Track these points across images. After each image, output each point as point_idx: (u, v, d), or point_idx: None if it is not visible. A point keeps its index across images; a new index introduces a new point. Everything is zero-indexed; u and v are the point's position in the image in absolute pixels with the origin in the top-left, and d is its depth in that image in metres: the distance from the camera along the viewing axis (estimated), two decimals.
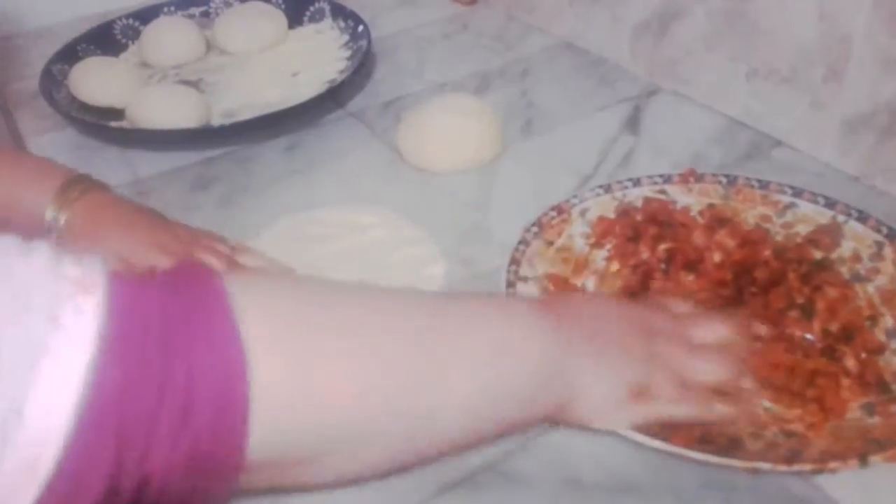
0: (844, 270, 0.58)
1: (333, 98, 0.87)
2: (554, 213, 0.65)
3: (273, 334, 0.34)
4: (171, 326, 0.31)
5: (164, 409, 0.30)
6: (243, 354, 0.32)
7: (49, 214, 0.58)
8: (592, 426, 0.45)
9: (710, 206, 0.65)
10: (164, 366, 0.31)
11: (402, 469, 0.40)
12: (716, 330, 0.49)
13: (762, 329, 0.53)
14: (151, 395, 0.30)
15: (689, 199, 0.66)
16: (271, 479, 0.37)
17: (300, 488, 0.40)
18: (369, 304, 0.40)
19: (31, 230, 0.58)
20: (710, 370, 0.47)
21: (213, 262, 0.60)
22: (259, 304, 0.35)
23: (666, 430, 0.48)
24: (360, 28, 0.96)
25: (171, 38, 0.98)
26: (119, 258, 0.57)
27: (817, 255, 0.59)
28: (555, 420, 0.44)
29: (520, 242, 0.62)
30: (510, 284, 0.58)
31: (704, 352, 0.48)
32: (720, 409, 0.46)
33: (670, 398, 0.46)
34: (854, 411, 0.50)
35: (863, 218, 0.61)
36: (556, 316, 0.45)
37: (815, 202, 0.63)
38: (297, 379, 0.35)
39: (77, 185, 0.60)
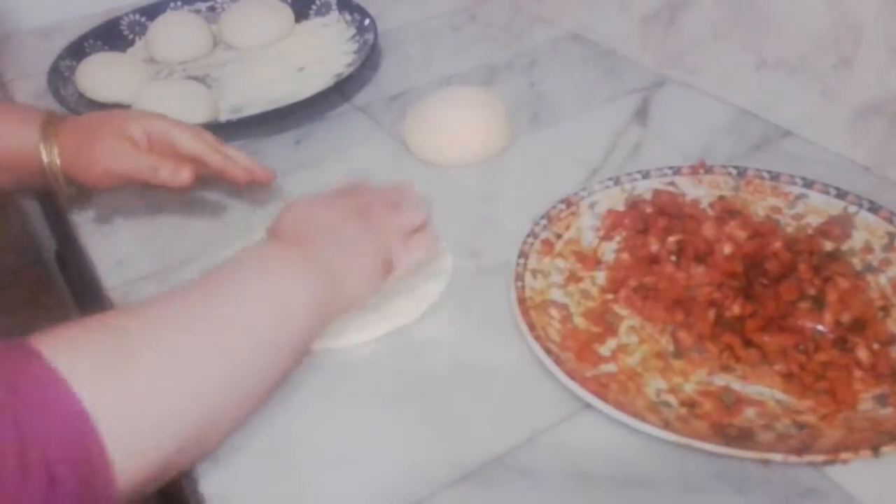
0: (856, 261, 0.58)
1: (340, 92, 0.86)
2: (563, 206, 0.64)
3: (101, 391, 0.40)
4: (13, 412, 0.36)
5: (31, 483, 0.35)
6: (87, 414, 0.38)
7: (42, 145, 0.63)
8: (365, 305, 0.54)
9: (720, 197, 0.65)
10: (20, 449, 0.36)
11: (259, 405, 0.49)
12: (399, 192, 0.58)
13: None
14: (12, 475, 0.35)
15: (698, 191, 0.65)
16: (153, 485, 0.43)
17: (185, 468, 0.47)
18: (160, 325, 0.45)
19: (23, 167, 0.64)
20: (411, 216, 0.56)
21: (200, 130, 0.66)
22: (83, 367, 0.40)
23: (677, 421, 0.48)
24: (367, 21, 0.96)
25: (177, 33, 0.98)
26: (116, 135, 0.62)
27: (828, 246, 0.59)
28: (342, 311, 0.52)
29: (528, 235, 0.61)
30: (519, 277, 0.58)
31: (403, 207, 0.56)
32: (430, 239, 0.56)
33: (405, 256, 0.54)
34: (866, 402, 0.49)
35: (874, 208, 0.60)
36: (309, 250, 0.51)
37: (826, 193, 0.62)
38: (133, 416, 0.41)
39: (53, 118, 0.65)
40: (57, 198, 0.69)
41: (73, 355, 0.40)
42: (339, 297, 0.51)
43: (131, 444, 0.40)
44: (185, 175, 0.62)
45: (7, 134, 0.64)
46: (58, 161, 0.64)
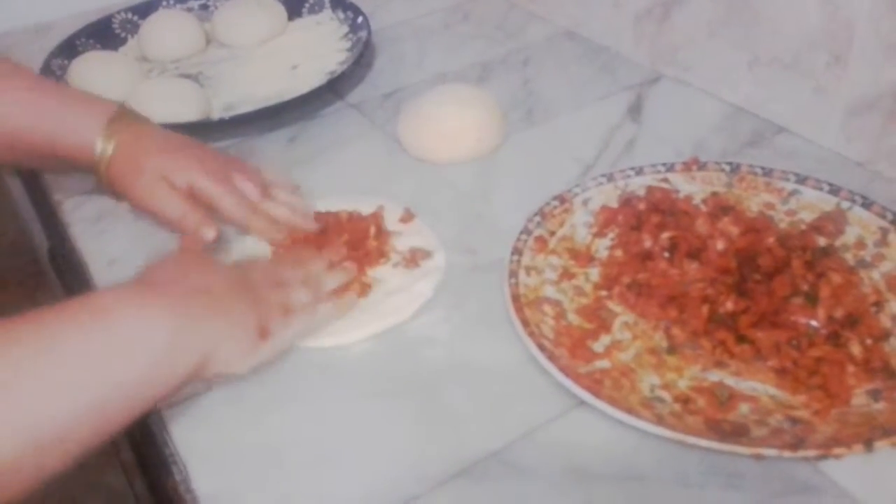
0: (849, 257, 0.58)
1: (333, 89, 0.86)
2: (556, 203, 0.64)
3: None
4: None
5: None
6: None
7: (98, 146, 0.62)
8: (236, 372, 0.51)
9: (714, 193, 0.65)
10: None
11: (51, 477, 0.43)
12: (294, 267, 0.58)
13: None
14: None
15: (692, 188, 0.65)
16: None
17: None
18: None
19: (76, 159, 0.63)
20: (298, 293, 0.56)
21: (248, 187, 0.64)
22: None
23: (671, 417, 0.49)
24: (360, 19, 0.95)
25: (170, 31, 0.98)
26: (161, 176, 0.62)
27: (822, 241, 0.59)
28: (200, 378, 0.49)
29: (522, 232, 0.61)
30: (512, 274, 0.58)
31: (292, 283, 0.56)
32: (323, 311, 0.56)
33: (283, 325, 0.53)
34: (859, 397, 0.50)
35: (867, 204, 0.60)
36: (169, 298, 0.48)
37: (819, 189, 0.62)
38: None
39: (123, 118, 0.64)
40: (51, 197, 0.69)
41: None
42: (199, 354, 0.48)
43: None
44: (210, 234, 0.62)
45: (69, 125, 0.63)
46: (103, 172, 0.64)
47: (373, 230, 0.64)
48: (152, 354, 0.46)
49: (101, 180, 0.64)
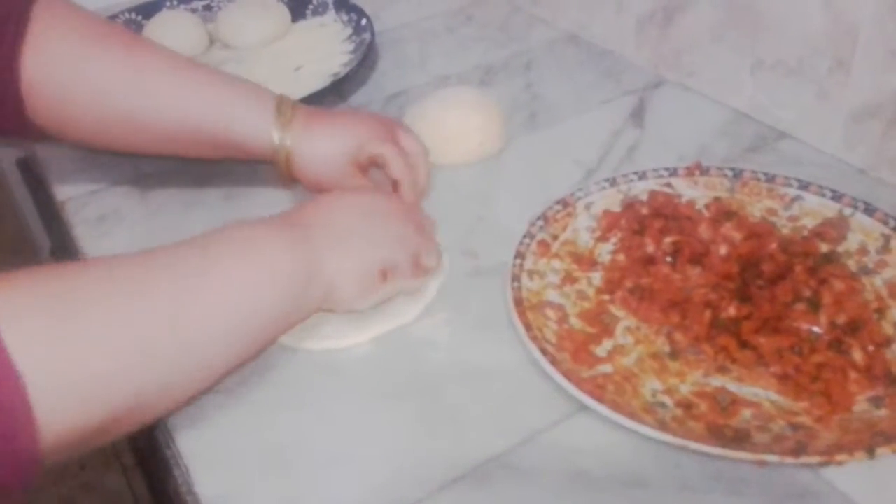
0: (851, 263, 0.58)
1: (337, 92, 0.86)
2: (559, 207, 0.64)
3: (34, 345, 0.39)
4: None
5: None
6: (13, 368, 0.37)
7: (276, 136, 0.64)
8: (354, 309, 0.56)
9: (716, 199, 0.65)
10: None
11: (208, 387, 0.49)
12: (430, 220, 0.62)
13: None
14: None
15: (694, 193, 0.65)
16: (81, 449, 0.43)
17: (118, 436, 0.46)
18: (117, 289, 0.44)
19: (252, 147, 0.65)
20: (434, 254, 0.58)
21: (411, 145, 0.66)
22: (16, 318, 0.39)
23: (673, 422, 0.49)
24: (364, 21, 0.96)
25: (173, 32, 0.98)
26: (347, 161, 0.64)
27: (824, 248, 0.59)
28: (324, 309, 0.54)
29: (525, 236, 0.62)
30: (515, 278, 0.58)
31: (430, 236, 0.59)
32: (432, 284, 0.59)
33: (408, 275, 0.56)
34: (861, 404, 0.50)
35: (870, 210, 0.60)
36: (302, 227, 0.53)
37: (822, 195, 0.63)
38: (66, 372, 0.40)
39: (285, 104, 0.65)
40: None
41: (13, 306, 0.40)
42: (321, 289, 0.52)
43: (60, 404, 0.39)
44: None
45: (234, 113, 0.64)
46: (283, 162, 0.65)
47: None
48: (293, 282, 0.50)
49: (282, 171, 0.66)
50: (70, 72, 0.63)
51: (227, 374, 0.50)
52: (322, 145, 0.65)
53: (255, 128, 0.64)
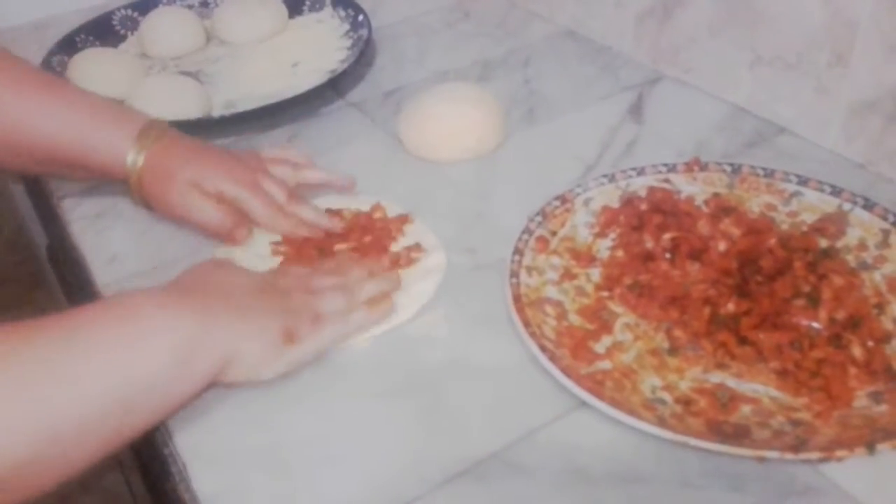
0: (851, 259, 0.58)
1: (334, 88, 0.86)
2: (557, 203, 0.64)
3: None
4: None
5: None
6: None
7: (130, 158, 0.63)
8: (261, 378, 0.51)
9: (715, 194, 0.65)
10: None
11: (76, 474, 0.44)
12: (328, 276, 0.58)
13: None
14: None
15: (693, 188, 0.65)
16: None
17: None
18: None
19: (107, 170, 0.64)
20: (332, 300, 0.55)
21: (275, 190, 0.65)
22: None
23: (672, 419, 0.48)
24: (361, 17, 0.95)
25: (170, 28, 0.97)
26: (192, 184, 0.63)
27: (823, 243, 0.59)
28: (223, 381, 0.50)
29: (523, 232, 0.61)
30: (514, 274, 0.58)
31: (325, 290, 0.56)
32: (355, 319, 0.56)
33: (312, 331, 0.53)
34: (861, 399, 0.50)
35: (869, 205, 0.60)
36: (192, 299, 0.49)
37: (821, 190, 0.62)
38: None
39: (153, 130, 0.65)
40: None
41: None
42: (213, 361, 0.48)
43: None
44: (244, 235, 0.64)
45: (100, 138, 0.64)
46: (135, 183, 0.64)
47: (399, 235, 0.65)
48: (174, 352, 0.46)
49: (134, 192, 0.65)
50: None
51: (109, 451, 0.45)
52: (168, 165, 0.63)
53: (112, 151, 0.63)
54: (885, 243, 0.58)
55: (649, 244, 0.60)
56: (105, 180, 0.67)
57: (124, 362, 0.45)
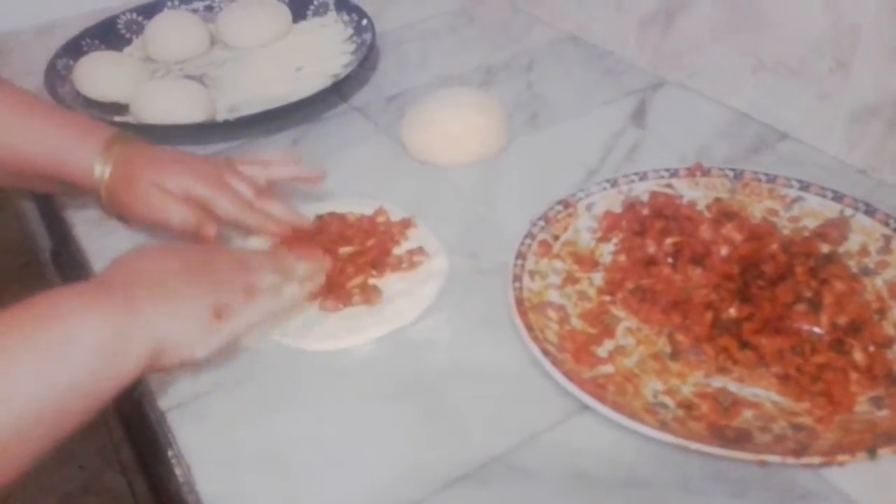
0: (852, 264, 0.58)
1: (338, 92, 0.86)
2: (560, 207, 0.64)
3: None
4: None
5: None
6: None
7: (97, 170, 0.63)
8: (196, 358, 0.51)
9: (717, 199, 0.65)
10: None
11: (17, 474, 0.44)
12: (263, 256, 0.59)
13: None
14: None
15: (695, 193, 0.66)
16: None
17: None
18: None
19: (78, 183, 0.64)
20: (265, 275, 0.55)
21: (241, 186, 0.65)
22: None
23: (674, 423, 0.49)
24: (365, 22, 0.96)
25: (174, 32, 0.98)
26: (155, 185, 0.62)
27: (825, 248, 0.59)
28: (155, 370, 0.50)
29: (526, 236, 0.62)
30: (516, 278, 0.58)
31: (259, 267, 0.56)
32: (288, 292, 0.55)
33: (244, 305, 0.53)
34: (862, 404, 0.50)
35: (870, 211, 0.60)
36: (121, 289, 0.49)
37: (823, 196, 0.63)
38: None
39: (119, 141, 0.65)
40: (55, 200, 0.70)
41: None
42: (144, 349, 0.48)
43: None
44: (211, 230, 0.63)
45: (68, 150, 0.64)
46: (103, 194, 0.64)
47: (400, 238, 0.65)
48: (97, 353, 0.46)
49: (104, 205, 0.65)
50: None
51: (47, 449, 0.45)
52: (132, 171, 0.63)
53: (80, 164, 0.64)
54: (886, 249, 0.58)
55: (651, 249, 0.61)
56: (80, 193, 0.67)
57: (48, 369, 0.44)
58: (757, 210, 0.64)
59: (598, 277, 0.60)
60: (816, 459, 0.45)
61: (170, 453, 0.52)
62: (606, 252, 0.62)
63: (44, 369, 0.44)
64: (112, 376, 0.47)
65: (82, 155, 0.64)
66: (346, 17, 1.00)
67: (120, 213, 0.66)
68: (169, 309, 0.50)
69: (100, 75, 0.88)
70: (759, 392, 0.51)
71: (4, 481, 0.43)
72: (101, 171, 0.63)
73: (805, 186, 0.64)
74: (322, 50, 0.96)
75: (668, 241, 0.61)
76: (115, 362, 0.47)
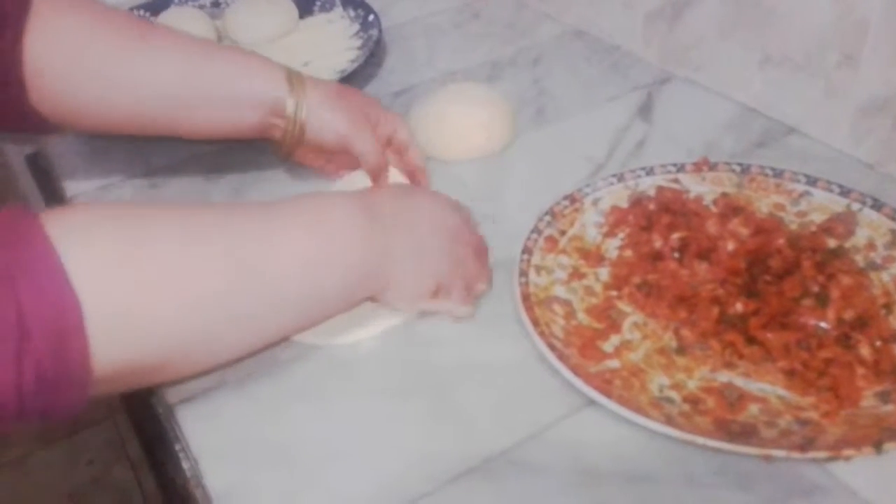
0: (859, 259, 0.58)
1: None
2: (566, 203, 0.64)
3: (98, 270, 0.41)
4: None
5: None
6: (72, 290, 0.39)
7: (290, 107, 0.65)
8: (398, 309, 0.56)
9: (724, 194, 0.65)
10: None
11: (250, 352, 0.51)
12: (486, 246, 0.61)
13: None
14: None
15: (702, 188, 0.65)
16: (128, 384, 0.46)
17: (162, 383, 0.51)
18: (187, 233, 0.46)
19: (256, 115, 0.66)
20: (483, 281, 0.58)
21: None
22: (81, 244, 0.41)
23: (680, 417, 0.49)
24: (371, 17, 0.96)
25: (181, 28, 0.98)
26: (362, 111, 0.67)
27: (832, 243, 0.59)
28: (371, 299, 0.56)
29: (532, 231, 0.62)
30: (522, 273, 0.58)
31: (485, 263, 0.59)
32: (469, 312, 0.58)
33: (457, 299, 0.56)
34: (869, 399, 0.50)
35: (878, 206, 0.60)
36: (382, 222, 0.53)
37: (830, 190, 0.62)
38: (125, 306, 0.42)
39: (294, 76, 0.68)
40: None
41: (88, 232, 0.42)
42: (378, 284, 0.54)
43: (114, 335, 0.41)
44: (384, 180, 0.67)
45: (254, 80, 0.66)
46: (304, 115, 0.66)
47: None
48: (352, 269, 0.51)
49: (287, 144, 0.67)
50: (77, 44, 0.62)
51: (272, 341, 0.52)
52: (335, 89, 0.67)
53: (267, 97, 0.65)
54: (893, 243, 0.58)
55: (658, 244, 0.61)
56: (240, 134, 0.68)
57: (314, 272, 0.49)
58: (764, 205, 0.64)
59: (605, 272, 0.60)
60: (822, 454, 0.45)
61: (177, 447, 0.53)
62: (613, 247, 0.62)
63: (312, 266, 0.49)
64: (353, 295, 0.53)
65: (269, 90, 0.65)
66: (352, 13, 1.00)
67: (314, 138, 0.66)
68: (409, 265, 0.54)
69: None
70: (766, 387, 0.51)
71: (245, 350, 0.50)
72: (296, 108, 0.65)
73: (812, 181, 0.63)
74: (328, 45, 0.96)
75: (675, 236, 0.61)
76: (362, 284, 0.53)
